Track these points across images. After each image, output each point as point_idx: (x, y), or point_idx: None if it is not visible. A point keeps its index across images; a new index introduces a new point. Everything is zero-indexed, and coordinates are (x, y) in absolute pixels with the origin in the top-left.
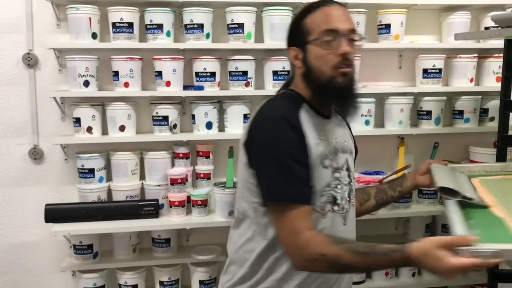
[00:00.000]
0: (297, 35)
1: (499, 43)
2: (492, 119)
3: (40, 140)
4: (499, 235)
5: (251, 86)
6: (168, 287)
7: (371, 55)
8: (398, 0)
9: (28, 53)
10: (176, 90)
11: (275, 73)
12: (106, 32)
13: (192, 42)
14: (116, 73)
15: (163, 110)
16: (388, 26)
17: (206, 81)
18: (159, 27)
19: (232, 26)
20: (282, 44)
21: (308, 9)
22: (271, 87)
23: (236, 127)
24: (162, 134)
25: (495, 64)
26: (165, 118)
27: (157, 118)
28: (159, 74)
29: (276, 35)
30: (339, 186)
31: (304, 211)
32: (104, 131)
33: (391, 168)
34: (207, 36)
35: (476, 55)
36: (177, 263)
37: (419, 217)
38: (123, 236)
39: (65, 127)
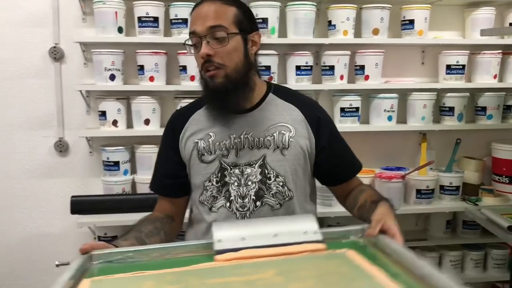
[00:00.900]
0: None
1: None
2: None
3: (66, 132)
4: None
5: (274, 80)
6: None
7: (394, 51)
8: None
9: (54, 47)
10: None
11: (298, 68)
12: (131, 27)
13: None
14: (141, 67)
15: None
16: (411, 22)
17: None
18: (184, 21)
19: (256, 21)
20: (306, 39)
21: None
22: (294, 82)
23: None
24: None
25: None
26: None
27: None
28: (184, 68)
29: (300, 30)
30: (236, 183)
31: (160, 198)
32: (129, 125)
33: (412, 164)
34: None
35: (500, 51)
36: None
37: (440, 213)
38: None
39: (89, 120)
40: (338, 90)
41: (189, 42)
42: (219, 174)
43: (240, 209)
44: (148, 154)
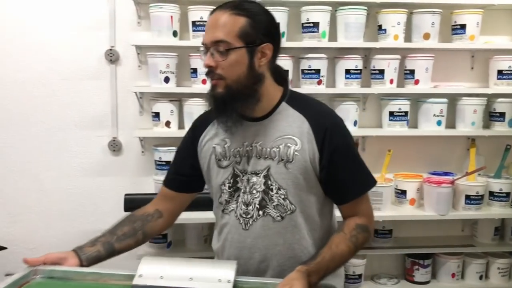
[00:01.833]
0: None
1: None
2: None
3: (119, 132)
4: None
5: (323, 84)
6: None
7: (443, 56)
8: (474, 0)
9: (111, 49)
10: None
11: (347, 71)
12: (185, 30)
13: None
14: (194, 70)
15: None
16: (463, 27)
17: None
18: None
19: (307, 25)
20: (357, 42)
21: None
22: (343, 85)
23: None
24: None
25: None
26: None
27: None
28: None
29: (350, 34)
30: (243, 190)
31: (161, 192)
32: (181, 126)
33: (459, 169)
34: (282, 35)
35: None
36: None
37: (489, 220)
38: (195, 227)
39: (142, 120)
40: (387, 94)
41: (202, 50)
42: (231, 180)
43: (244, 216)
44: None
